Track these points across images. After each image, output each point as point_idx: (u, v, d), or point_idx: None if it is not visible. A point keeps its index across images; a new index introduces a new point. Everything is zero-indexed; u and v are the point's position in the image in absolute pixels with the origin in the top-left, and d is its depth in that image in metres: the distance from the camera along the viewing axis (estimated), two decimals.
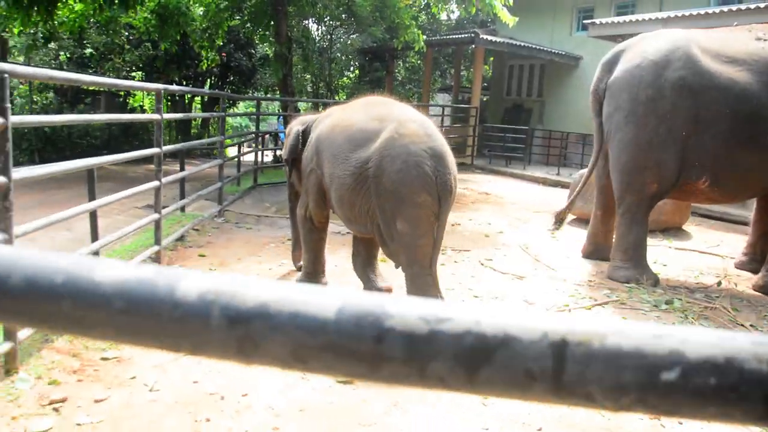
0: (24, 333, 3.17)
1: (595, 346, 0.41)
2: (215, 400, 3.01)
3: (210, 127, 23.06)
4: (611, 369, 0.41)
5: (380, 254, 4.56)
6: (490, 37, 16.31)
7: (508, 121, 18.40)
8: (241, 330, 0.43)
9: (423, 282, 3.77)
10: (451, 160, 3.77)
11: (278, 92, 22.82)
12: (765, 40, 5.24)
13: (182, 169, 6.74)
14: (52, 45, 15.58)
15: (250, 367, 0.47)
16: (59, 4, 10.38)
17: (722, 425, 0.44)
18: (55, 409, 2.82)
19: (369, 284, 4.53)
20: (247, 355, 0.44)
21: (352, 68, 23.53)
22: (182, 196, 6.89)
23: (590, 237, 6.43)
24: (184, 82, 19.78)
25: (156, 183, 5.09)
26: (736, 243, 7.61)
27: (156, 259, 5.18)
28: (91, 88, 16.29)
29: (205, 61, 16.05)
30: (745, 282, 5.79)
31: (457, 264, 5.85)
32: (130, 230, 4.79)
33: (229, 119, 26.36)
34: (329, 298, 0.44)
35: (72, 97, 17.01)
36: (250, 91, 22.61)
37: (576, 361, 0.41)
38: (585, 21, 13.95)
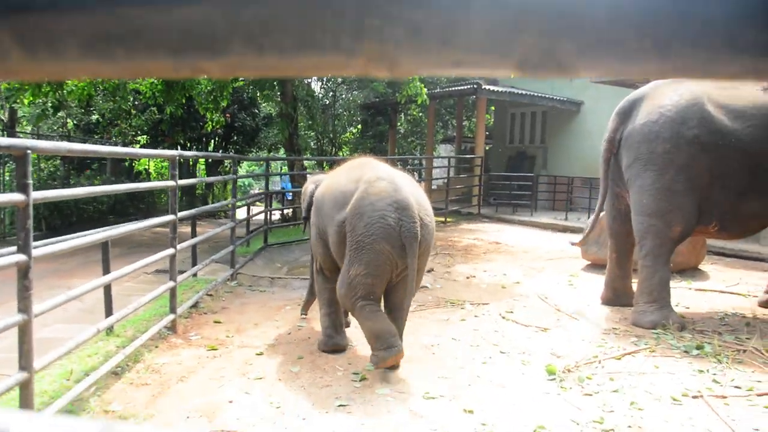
0: None
1: None
2: None
3: (214, 188, 23.17)
4: None
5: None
6: (491, 87, 16.51)
7: (511, 168, 18.45)
8: None
9: (376, 314, 4.17)
10: (420, 209, 4.18)
11: (282, 150, 23.09)
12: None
13: (194, 234, 6.69)
14: (60, 113, 15.77)
15: None
16: None
17: None
18: None
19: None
20: None
21: (355, 123, 23.75)
22: (194, 262, 6.83)
23: (608, 283, 6.37)
24: (189, 144, 19.96)
25: (171, 250, 5.02)
26: (756, 280, 7.50)
27: (172, 327, 5.08)
28: None
29: (210, 122, 16.20)
30: None
31: (478, 318, 5.73)
32: (146, 301, 4.71)
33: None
34: None
35: (78, 164, 17.14)
36: (254, 151, 22.79)
37: None
38: None
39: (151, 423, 3.47)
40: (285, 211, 14.86)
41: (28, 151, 2.85)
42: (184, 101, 14.83)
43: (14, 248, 3.02)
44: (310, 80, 18.29)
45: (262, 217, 11.10)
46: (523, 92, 16.83)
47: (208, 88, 14.43)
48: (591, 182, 13.81)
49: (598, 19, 0.33)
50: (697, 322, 5.64)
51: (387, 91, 18.69)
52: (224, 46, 0.36)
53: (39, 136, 16.10)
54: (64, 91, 10.66)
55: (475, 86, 16.12)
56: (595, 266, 8.34)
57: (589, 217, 10.19)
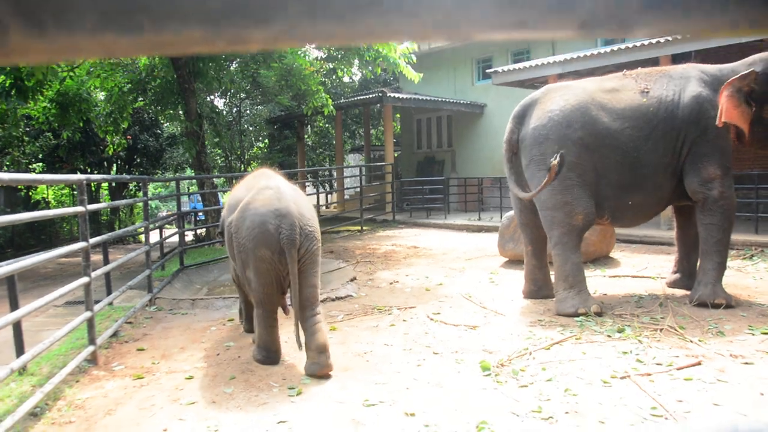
0: None
1: None
2: None
3: (120, 214, 22.28)
4: None
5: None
6: (396, 95, 16.73)
7: (422, 173, 18.76)
8: None
9: (268, 322, 4.58)
10: (300, 218, 4.46)
11: (188, 170, 22.47)
12: (647, 92, 5.94)
13: (106, 260, 6.38)
14: None
15: None
16: None
17: None
18: None
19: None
20: None
21: (262, 138, 23.45)
22: (109, 290, 6.53)
23: (527, 275, 6.59)
24: (90, 169, 19.11)
25: (85, 279, 4.77)
26: (662, 263, 7.98)
27: (92, 359, 4.83)
28: None
29: (111, 146, 15.60)
30: (682, 299, 6.01)
31: (406, 323, 5.77)
32: (63, 334, 4.45)
33: (140, 204, 25.62)
34: None
35: None
36: (160, 172, 22.08)
37: None
38: (487, 70, 14.52)
39: None
40: (198, 231, 14.44)
41: None
42: (81, 124, 14.22)
43: None
44: (213, 97, 17.94)
45: (174, 239, 10.75)
46: (427, 98, 17.15)
47: (107, 110, 13.89)
48: (500, 181, 14.24)
49: None
50: (615, 306, 5.91)
51: (292, 104, 18.57)
52: (273, 13, 0.34)
53: None
54: None
55: (380, 94, 16.30)
56: (514, 262, 8.59)
57: (501, 216, 10.50)
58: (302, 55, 13.87)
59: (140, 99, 14.37)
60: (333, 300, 6.76)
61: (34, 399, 3.77)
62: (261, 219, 4.39)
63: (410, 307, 6.33)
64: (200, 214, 17.42)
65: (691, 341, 4.70)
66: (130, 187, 20.79)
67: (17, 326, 4.38)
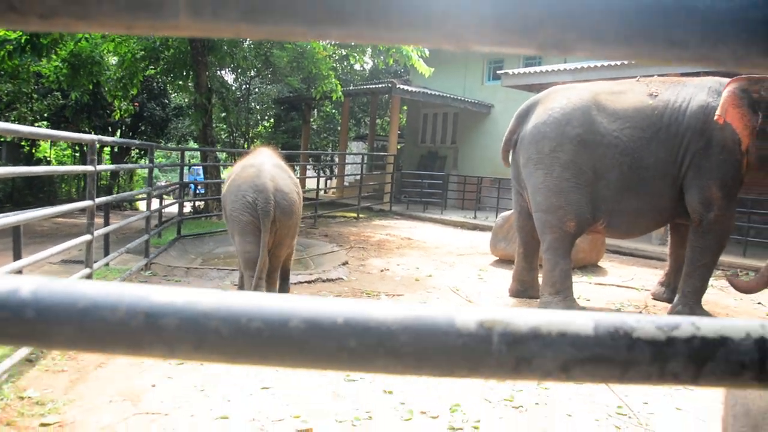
0: None
1: None
2: None
3: (120, 179, 22.39)
4: None
5: None
6: (405, 87, 16.82)
7: (423, 167, 18.88)
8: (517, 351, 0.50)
9: (256, 286, 5.07)
10: (276, 192, 5.08)
11: (191, 142, 22.56)
12: (655, 95, 5.82)
13: (107, 222, 6.53)
14: None
15: None
16: None
17: None
18: None
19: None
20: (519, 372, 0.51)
21: (268, 118, 23.55)
22: (107, 251, 6.68)
23: (515, 276, 6.70)
24: (93, 133, 19.21)
25: (88, 237, 4.93)
26: (648, 276, 8.15)
27: None
28: None
29: (118, 111, 15.67)
30: (662, 311, 6.19)
31: None
32: None
33: (139, 171, 25.72)
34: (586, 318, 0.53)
35: None
36: (163, 142, 22.18)
37: None
38: (498, 71, 14.63)
39: (73, 408, 3.43)
40: (197, 203, 14.58)
41: None
42: (90, 87, 14.30)
43: None
44: (224, 72, 18.04)
45: (171, 208, 10.89)
46: (436, 93, 17.24)
47: (117, 75, 13.98)
48: (499, 182, 14.40)
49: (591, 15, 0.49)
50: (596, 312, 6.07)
51: (301, 87, 18.67)
52: (294, 13, 0.49)
53: None
54: None
55: (389, 85, 16.40)
56: (504, 261, 8.75)
57: (497, 216, 10.65)
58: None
59: (152, 67, 14.47)
60: (324, 281, 6.92)
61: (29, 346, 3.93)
62: (242, 192, 5.08)
63: (398, 295, 6.50)
64: (200, 186, 17.54)
65: None
66: (132, 155, 20.88)
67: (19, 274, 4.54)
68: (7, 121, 16.85)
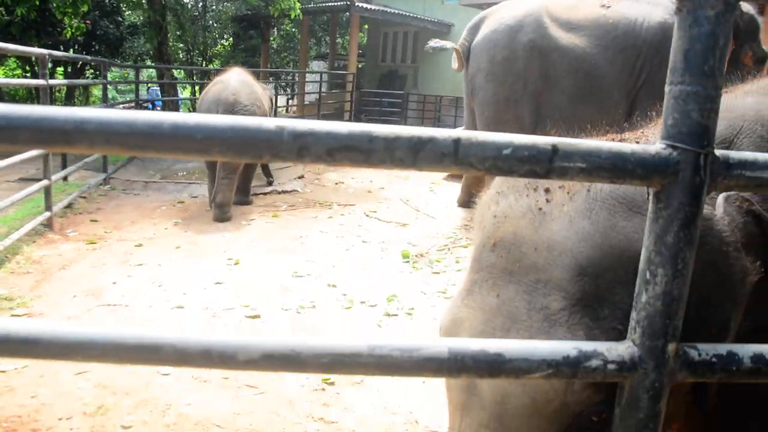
0: None
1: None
2: None
3: (75, 99, 21.92)
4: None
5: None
6: (365, 5, 16.65)
7: (383, 86, 18.93)
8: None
9: (224, 184, 5.81)
10: (236, 105, 5.89)
11: (150, 61, 22.05)
12: (608, 6, 5.88)
13: None
14: None
15: None
16: None
17: None
18: None
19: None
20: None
21: (226, 36, 23.10)
22: (64, 165, 6.82)
23: (464, 187, 7.02)
24: None
25: (43, 149, 5.08)
26: None
27: (48, 225, 5.21)
28: None
29: (69, 29, 15.23)
30: None
31: (344, 216, 6.27)
32: (20, 197, 4.81)
33: (96, 93, 25.09)
34: (340, 125, 0.81)
35: None
36: (119, 61, 21.68)
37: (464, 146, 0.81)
38: None
39: (40, 303, 3.72)
40: None
41: None
42: (37, 2, 13.86)
43: None
44: None
45: None
46: (396, 11, 17.11)
47: None
48: (458, 101, 14.61)
49: None
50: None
51: (260, 4, 18.30)
52: None
53: None
54: None
55: (348, 3, 16.22)
56: (456, 176, 9.05)
57: None
58: None
59: None
60: (279, 193, 7.21)
61: None
62: (207, 106, 5.98)
63: (350, 205, 6.82)
64: (158, 102, 17.36)
65: None
66: (87, 74, 20.42)
67: None
68: None
